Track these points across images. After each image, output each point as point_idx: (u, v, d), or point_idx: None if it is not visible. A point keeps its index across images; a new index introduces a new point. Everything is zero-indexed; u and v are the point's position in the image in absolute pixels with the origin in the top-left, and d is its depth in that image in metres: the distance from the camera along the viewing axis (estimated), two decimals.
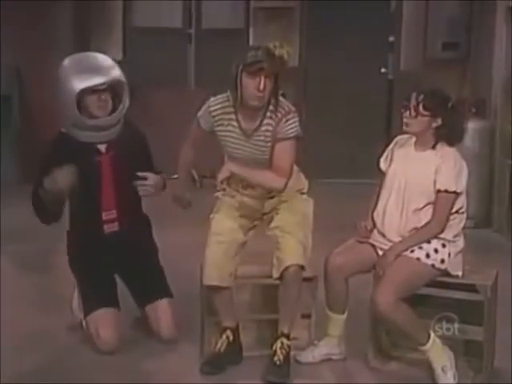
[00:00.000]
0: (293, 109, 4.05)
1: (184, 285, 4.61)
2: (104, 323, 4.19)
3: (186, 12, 9.34)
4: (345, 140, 8.72)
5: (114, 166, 4.20)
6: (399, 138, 4.14)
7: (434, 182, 3.89)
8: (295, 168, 4.16)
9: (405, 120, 3.98)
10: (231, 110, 4.03)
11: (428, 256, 3.88)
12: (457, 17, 8.33)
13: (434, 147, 3.95)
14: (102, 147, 4.19)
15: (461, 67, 8.30)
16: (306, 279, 4.07)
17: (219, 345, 4.11)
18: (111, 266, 4.33)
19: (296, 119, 4.02)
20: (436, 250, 3.90)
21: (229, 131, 4.05)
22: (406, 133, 4.04)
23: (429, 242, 3.91)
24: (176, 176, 4.34)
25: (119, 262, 4.34)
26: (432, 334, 3.88)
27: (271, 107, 3.99)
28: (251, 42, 8.99)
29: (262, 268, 4.16)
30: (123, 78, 4.19)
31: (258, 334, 4.27)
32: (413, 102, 3.93)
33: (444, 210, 3.90)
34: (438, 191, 3.89)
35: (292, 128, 4.00)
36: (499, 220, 6.84)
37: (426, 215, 3.92)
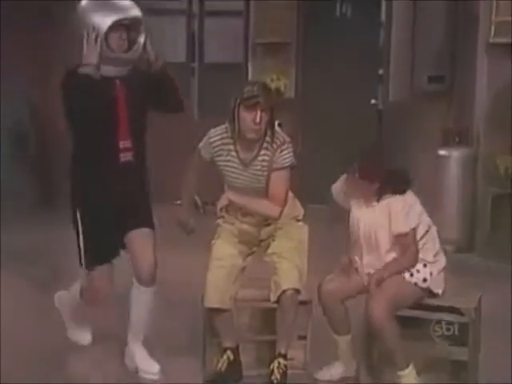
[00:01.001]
0: (287, 139, 4.04)
1: (187, 307, 4.58)
2: (103, 277, 4.17)
3: (189, 47, 9.37)
4: (338, 167, 8.68)
5: (127, 100, 4.12)
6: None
7: (390, 226, 3.89)
8: (291, 195, 4.15)
9: (346, 187, 3.99)
10: (230, 140, 4.02)
11: (411, 275, 3.89)
12: (441, 52, 8.31)
13: (378, 200, 3.93)
14: (117, 81, 4.11)
15: (445, 98, 8.28)
16: (301, 302, 4.04)
17: (220, 364, 4.08)
18: (120, 200, 4.17)
19: (290, 149, 4.02)
20: (418, 270, 3.90)
21: (228, 161, 4.04)
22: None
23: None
24: (180, 202, 4.32)
25: (125, 195, 4.18)
26: (411, 365, 3.86)
27: (267, 138, 3.98)
28: (250, 75, 8.99)
29: (260, 292, 4.13)
30: (142, 17, 4.15)
31: (256, 354, 4.24)
32: (349, 171, 3.94)
33: (409, 246, 3.89)
34: (396, 235, 3.89)
35: (287, 158, 3.99)
36: (481, 244, 6.80)
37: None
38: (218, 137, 4.05)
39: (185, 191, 4.28)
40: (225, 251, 4.09)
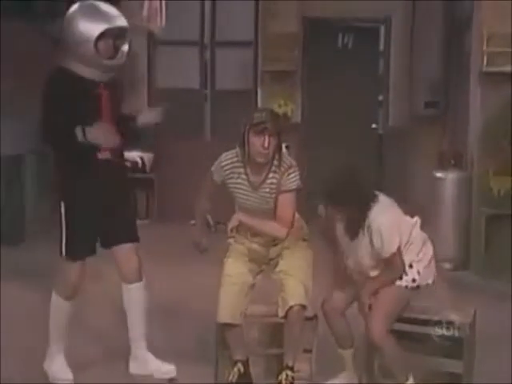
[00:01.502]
0: (294, 163, 4.04)
1: (201, 322, 4.56)
2: (77, 274, 4.12)
3: (202, 75, 9.42)
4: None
5: (110, 102, 4.13)
6: None
7: (378, 252, 3.80)
8: (297, 216, 4.13)
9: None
10: (240, 164, 4.02)
11: (401, 278, 3.83)
12: (436, 79, 8.37)
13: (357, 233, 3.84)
14: (101, 84, 4.12)
15: (441, 123, 8.31)
16: (307, 318, 4.03)
17: (231, 376, 4.07)
18: (100, 198, 4.12)
19: (297, 173, 4.01)
20: (406, 273, 3.83)
21: (239, 183, 4.05)
22: None
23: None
24: (193, 222, 4.32)
25: (107, 194, 4.15)
26: (411, 377, 3.82)
27: (275, 162, 3.98)
28: (259, 101, 9.03)
29: (268, 308, 4.13)
30: (127, 27, 4.19)
31: (265, 366, 4.22)
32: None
33: (397, 262, 3.81)
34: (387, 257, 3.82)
35: (293, 181, 3.99)
36: (476, 262, 6.74)
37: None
38: (229, 161, 4.05)
39: (198, 212, 4.26)
40: (236, 269, 4.08)
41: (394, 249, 3.78)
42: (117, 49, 4.11)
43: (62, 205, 4.11)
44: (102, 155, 4.10)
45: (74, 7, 4.10)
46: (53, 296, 4.20)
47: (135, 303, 4.23)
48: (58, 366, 4.20)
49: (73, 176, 4.09)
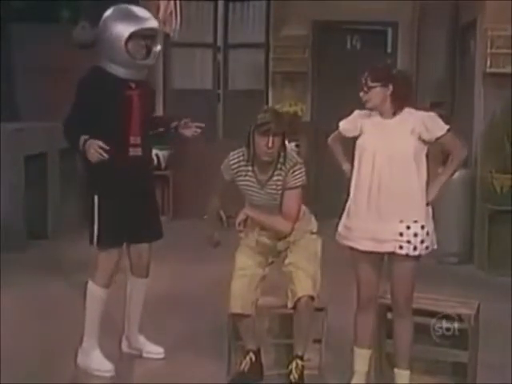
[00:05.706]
0: (299, 161, 4.06)
1: (214, 313, 4.58)
2: (115, 262, 4.18)
3: (215, 76, 9.43)
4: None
5: (140, 101, 4.18)
6: (358, 112, 3.90)
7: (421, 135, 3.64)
8: (306, 211, 4.15)
9: (363, 99, 3.73)
10: (247, 163, 4.04)
11: (415, 248, 3.63)
12: (442, 80, 8.33)
13: (395, 114, 3.68)
14: (133, 84, 4.17)
15: (446, 122, 8.26)
16: (317, 309, 4.03)
17: (243, 365, 4.08)
18: (130, 193, 4.17)
19: (302, 170, 4.03)
20: (415, 234, 3.64)
21: (247, 181, 4.06)
22: (369, 109, 3.77)
23: (402, 234, 3.62)
24: (206, 216, 4.33)
25: (136, 189, 4.20)
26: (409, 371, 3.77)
27: (281, 160, 3.99)
28: (270, 101, 9.01)
29: (278, 299, 4.13)
30: (158, 28, 4.26)
31: (276, 356, 4.22)
32: (362, 81, 3.73)
33: (454, 141, 3.75)
34: (439, 138, 3.68)
35: (298, 178, 4.01)
36: (480, 257, 6.72)
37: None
38: (236, 159, 4.07)
39: (210, 207, 4.28)
40: (246, 262, 4.09)
41: (444, 127, 3.66)
42: (149, 50, 4.16)
43: (96, 198, 4.14)
44: (133, 152, 4.15)
45: (110, 11, 4.18)
46: (89, 286, 4.23)
47: (137, 294, 4.39)
48: (97, 358, 4.21)
49: (105, 171, 4.09)
